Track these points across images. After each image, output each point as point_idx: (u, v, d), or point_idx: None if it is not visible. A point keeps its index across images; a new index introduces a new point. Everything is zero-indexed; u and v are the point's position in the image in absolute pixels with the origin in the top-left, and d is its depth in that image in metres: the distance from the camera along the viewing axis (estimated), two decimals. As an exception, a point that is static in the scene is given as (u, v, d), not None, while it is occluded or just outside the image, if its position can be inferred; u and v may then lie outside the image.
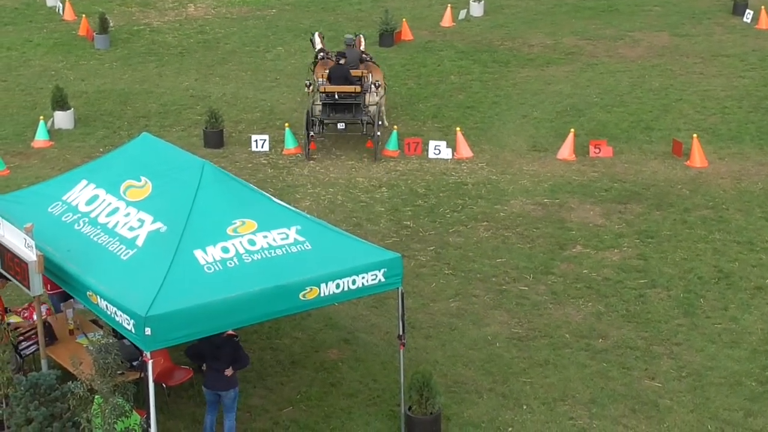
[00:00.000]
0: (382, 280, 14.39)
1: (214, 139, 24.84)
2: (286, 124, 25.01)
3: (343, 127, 24.08)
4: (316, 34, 27.02)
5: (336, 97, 23.97)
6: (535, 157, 24.38)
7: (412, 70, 30.02)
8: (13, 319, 15.85)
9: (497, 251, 20.05)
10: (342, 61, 24.44)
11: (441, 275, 19.22)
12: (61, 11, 35.36)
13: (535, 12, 35.41)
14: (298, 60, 30.76)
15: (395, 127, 25.06)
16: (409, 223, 21.25)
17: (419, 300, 18.33)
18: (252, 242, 14.22)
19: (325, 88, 23.95)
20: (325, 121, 24.16)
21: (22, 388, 13.18)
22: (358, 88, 23.97)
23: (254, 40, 32.43)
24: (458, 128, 24.92)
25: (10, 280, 14.76)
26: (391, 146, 24.54)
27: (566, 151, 24.27)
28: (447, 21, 33.97)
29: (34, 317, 15.02)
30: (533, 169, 23.67)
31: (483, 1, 35.00)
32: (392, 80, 28.91)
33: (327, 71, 24.48)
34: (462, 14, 34.41)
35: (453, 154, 24.31)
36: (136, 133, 23.67)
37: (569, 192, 22.52)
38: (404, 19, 32.85)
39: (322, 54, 25.69)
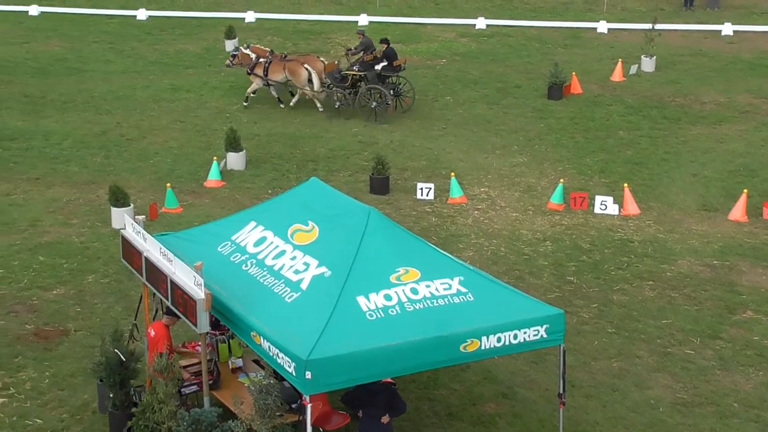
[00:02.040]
0: (544, 336, 14.20)
1: (380, 185, 25.06)
2: (452, 174, 25.05)
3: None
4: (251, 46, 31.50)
5: (403, 67, 30.33)
6: (705, 216, 23.76)
7: (580, 123, 29.73)
8: (182, 360, 16.18)
9: (663, 312, 19.55)
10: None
11: (603, 333, 18.84)
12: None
13: (708, 69, 34.68)
14: (466, 110, 30.85)
15: (561, 180, 24.82)
16: (572, 278, 20.94)
17: (580, 358, 17.99)
18: (415, 291, 14.23)
19: (397, 63, 29.99)
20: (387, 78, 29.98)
21: (184, 424, 13.45)
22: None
23: (423, 88, 32.68)
24: (626, 184, 24.51)
25: (179, 318, 15.10)
26: (557, 199, 24.29)
27: (738, 212, 23.58)
28: (617, 76, 33.56)
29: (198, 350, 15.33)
30: (702, 229, 23.06)
31: (654, 57, 34.48)
32: (559, 133, 28.70)
33: (376, 53, 30.16)
34: (633, 69, 33.96)
35: (619, 211, 23.90)
36: (304, 176, 24.13)
37: (740, 254, 21.83)
38: (574, 73, 32.61)
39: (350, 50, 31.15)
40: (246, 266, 15.27)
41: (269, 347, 13.70)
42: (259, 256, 15.36)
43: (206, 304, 14.05)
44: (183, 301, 14.38)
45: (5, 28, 40.89)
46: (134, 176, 26.05)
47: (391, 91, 30.08)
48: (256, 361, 16.09)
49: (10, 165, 26.82)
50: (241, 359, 16.13)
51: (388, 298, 14.07)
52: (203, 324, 14.18)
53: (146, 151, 27.80)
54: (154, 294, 15.84)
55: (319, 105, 30.72)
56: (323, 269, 14.55)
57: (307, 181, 17.15)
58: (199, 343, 15.00)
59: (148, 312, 16.70)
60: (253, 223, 16.11)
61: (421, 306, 14.07)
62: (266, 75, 30.60)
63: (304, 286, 14.41)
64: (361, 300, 13.98)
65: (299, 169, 26.46)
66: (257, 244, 15.65)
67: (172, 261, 14.81)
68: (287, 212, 16.04)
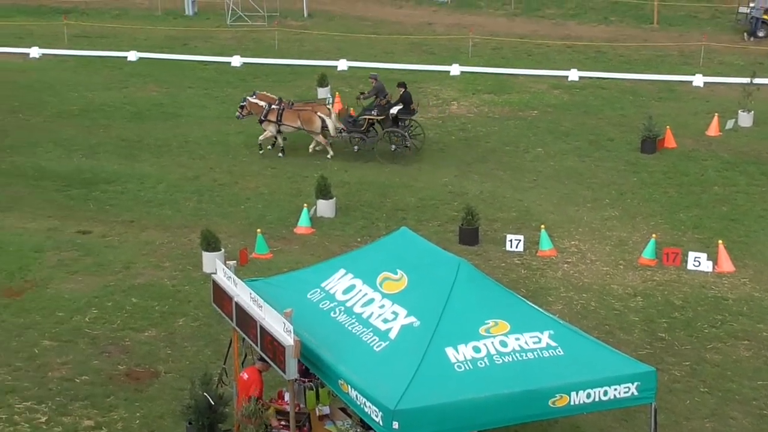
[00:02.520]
0: (635, 393, 13.98)
1: (469, 236, 25.00)
2: (542, 226, 24.90)
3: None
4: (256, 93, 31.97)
5: (416, 111, 31.24)
6: (803, 275, 23.26)
7: (674, 178, 29.35)
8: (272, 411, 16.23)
9: (758, 373, 19.10)
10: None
11: (696, 393, 18.46)
12: (331, 104, 36.76)
13: (808, 124, 34.08)
14: (557, 162, 30.69)
15: (654, 235, 24.49)
16: (664, 335, 20.59)
17: (671, 417, 17.63)
18: (504, 344, 14.14)
19: (414, 107, 30.97)
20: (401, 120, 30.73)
21: (270, 469, 13.47)
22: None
23: (514, 139, 32.63)
24: (720, 241, 24.09)
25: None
26: (648, 255, 23.96)
27: (837, 271, 23.03)
28: (713, 130, 33.10)
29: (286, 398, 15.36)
30: (800, 289, 22.56)
31: (752, 112, 33.97)
32: (652, 188, 28.37)
33: (392, 96, 30.85)
34: (730, 124, 33.47)
35: (713, 268, 23.48)
36: (394, 225, 24.18)
37: (839, 315, 21.29)
38: (668, 127, 32.24)
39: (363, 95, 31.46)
40: (335, 313, 15.31)
41: (356, 396, 13.68)
42: (348, 304, 15.39)
43: (295, 351, 14.10)
44: (272, 347, 14.46)
45: (105, 74, 41.87)
46: (226, 221, 26.37)
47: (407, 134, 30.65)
48: (343, 409, 16.08)
49: (106, 207, 27.35)
50: (328, 407, 16.13)
51: (476, 350, 13.99)
52: (291, 370, 14.22)
53: (238, 197, 28.14)
54: (244, 339, 15.95)
55: (330, 152, 30.99)
56: (412, 319, 14.54)
57: (396, 230, 17.19)
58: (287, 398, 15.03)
59: (237, 357, 16.82)
60: (342, 271, 16.17)
61: (510, 359, 13.96)
62: (280, 121, 30.91)
63: (392, 335, 14.40)
64: (450, 351, 13.92)
65: (389, 217, 26.53)
66: (346, 291, 15.69)
67: (262, 307, 14.91)
68: (376, 261, 16.08)
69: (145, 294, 22.28)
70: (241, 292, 15.57)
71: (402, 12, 51.32)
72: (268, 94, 32.15)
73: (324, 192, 26.72)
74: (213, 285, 16.50)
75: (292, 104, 31.57)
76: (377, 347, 14.33)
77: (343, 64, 41.97)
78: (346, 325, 15.00)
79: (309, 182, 28.37)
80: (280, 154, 31.33)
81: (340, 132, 30.99)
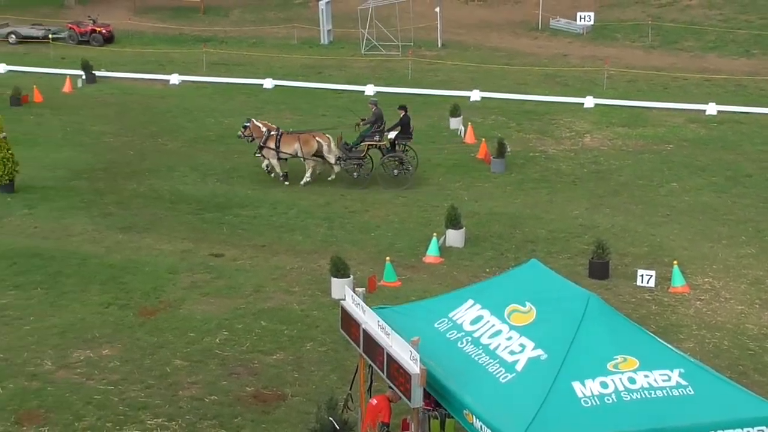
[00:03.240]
0: (769, 436, 13.57)
1: (599, 270, 24.68)
2: (675, 262, 24.43)
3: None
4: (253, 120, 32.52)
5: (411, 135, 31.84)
6: None
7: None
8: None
9: None
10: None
11: (833, 439, 17.79)
12: (462, 134, 36.86)
13: None
14: (692, 197, 30.13)
15: (792, 274, 23.85)
16: (800, 378, 19.98)
17: (806, 463, 17.03)
18: (632, 380, 13.89)
19: (411, 130, 31.51)
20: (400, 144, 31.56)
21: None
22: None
23: (648, 174, 32.16)
24: None
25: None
26: (786, 294, 23.33)
27: None
28: None
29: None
30: None
31: None
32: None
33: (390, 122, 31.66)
34: None
35: None
36: (523, 256, 24.06)
37: None
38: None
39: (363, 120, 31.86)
40: (462, 344, 15.28)
41: (481, 426, 13.62)
42: (475, 335, 15.35)
43: (421, 380, 14.11)
44: (398, 374, 14.50)
45: (241, 100, 42.79)
46: (355, 248, 26.60)
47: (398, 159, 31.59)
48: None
49: (239, 231, 27.87)
50: (452, 437, 16.07)
51: (604, 385, 13.78)
52: (417, 398, 14.23)
53: (368, 224, 28.37)
54: (370, 366, 16.03)
55: (333, 175, 32.05)
56: (539, 352, 14.41)
57: (526, 262, 17.09)
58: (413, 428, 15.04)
59: (363, 383, 16.90)
60: (470, 301, 16.13)
61: (639, 396, 13.71)
62: (278, 147, 31.60)
63: (519, 367, 14.30)
64: (577, 386, 13.74)
65: (518, 249, 26.39)
66: (474, 322, 15.65)
67: (389, 334, 14.97)
68: (505, 292, 15.99)
69: (274, 318, 22.60)
70: (369, 319, 15.66)
71: (536, 43, 51.23)
72: (269, 123, 32.87)
73: (454, 222, 26.73)
74: (341, 311, 16.64)
75: (290, 133, 32.41)
76: (503, 379, 14.24)
77: (475, 95, 42.05)
78: (473, 356, 14.96)
79: (439, 212, 28.43)
80: (284, 180, 31.99)
81: (338, 159, 31.59)
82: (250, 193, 30.98)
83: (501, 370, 14.41)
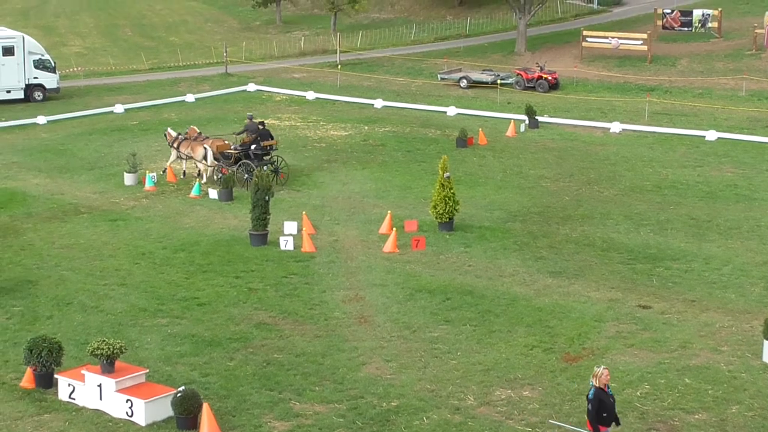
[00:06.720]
0: None
1: None
2: None
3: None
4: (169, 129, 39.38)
5: (275, 147, 37.74)
6: None
7: None
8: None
9: None
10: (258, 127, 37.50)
11: None
12: None
13: None
14: None
15: None
16: None
17: None
18: None
19: (265, 144, 36.99)
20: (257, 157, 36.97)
21: None
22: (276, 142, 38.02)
23: None
24: None
25: None
26: None
27: None
28: None
29: None
30: None
31: None
32: None
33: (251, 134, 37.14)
34: None
35: None
36: None
37: None
38: None
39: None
40: None
41: None
42: None
43: None
44: None
45: (681, 151, 42.13)
46: None
47: (265, 167, 36.34)
48: None
49: (668, 285, 27.36)
50: None
51: None
52: None
53: None
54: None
55: (204, 178, 37.42)
56: None
57: None
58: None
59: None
60: None
61: None
62: (178, 148, 37.89)
63: None
64: None
65: None
66: None
67: None
68: None
69: (699, 376, 21.93)
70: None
71: None
72: (195, 128, 39.18)
73: None
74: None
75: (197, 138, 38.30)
76: None
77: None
78: None
79: None
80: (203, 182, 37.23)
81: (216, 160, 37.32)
82: (683, 246, 30.35)
83: None
